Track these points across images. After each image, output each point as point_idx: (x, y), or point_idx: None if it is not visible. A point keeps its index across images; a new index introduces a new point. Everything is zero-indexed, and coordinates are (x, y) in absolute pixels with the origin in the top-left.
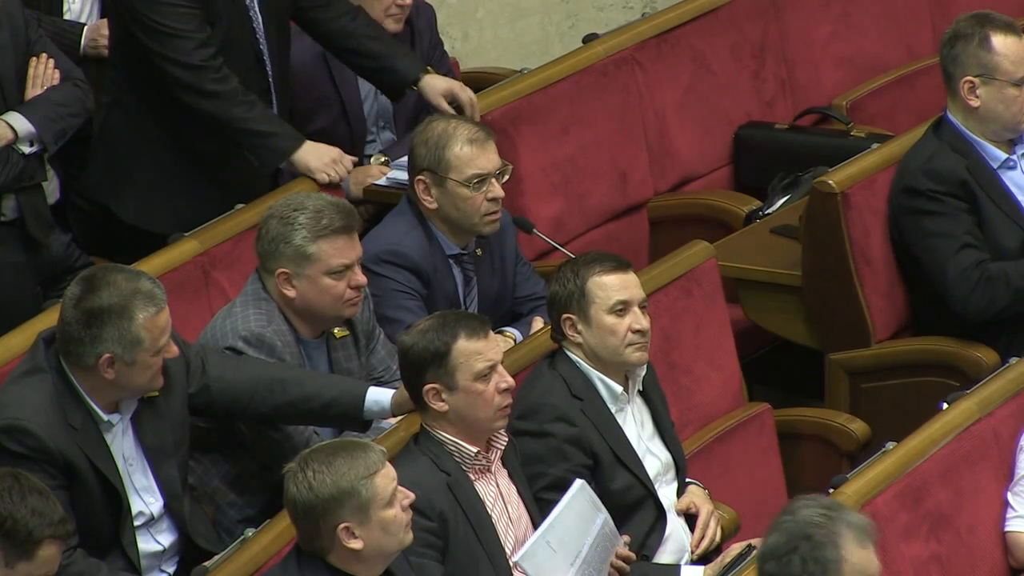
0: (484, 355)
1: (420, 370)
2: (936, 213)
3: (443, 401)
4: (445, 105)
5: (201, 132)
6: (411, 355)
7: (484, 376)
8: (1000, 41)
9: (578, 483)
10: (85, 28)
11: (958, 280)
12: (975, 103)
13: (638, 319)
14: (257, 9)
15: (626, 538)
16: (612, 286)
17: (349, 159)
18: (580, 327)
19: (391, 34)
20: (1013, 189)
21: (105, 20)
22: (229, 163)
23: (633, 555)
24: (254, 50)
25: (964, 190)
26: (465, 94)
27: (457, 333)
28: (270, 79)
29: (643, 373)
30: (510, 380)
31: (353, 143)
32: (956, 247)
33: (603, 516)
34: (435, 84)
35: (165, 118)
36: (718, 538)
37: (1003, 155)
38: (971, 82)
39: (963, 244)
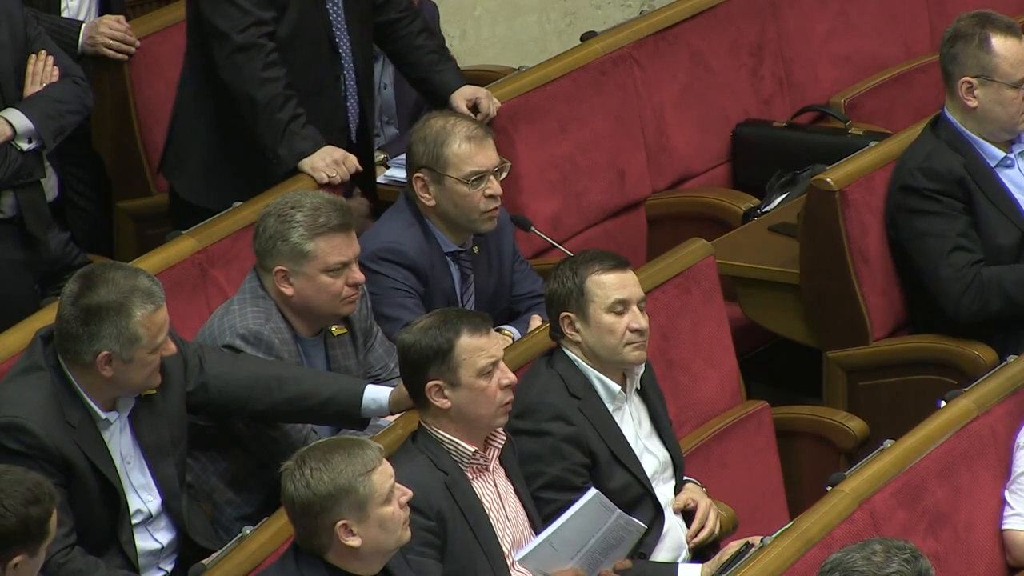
0: (487, 351)
1: (422, 367)
2: (930, 212)
3: (445, 398)
4: (463, 106)
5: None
6: (413, 352)
7: (487, 372)
8: (1000, 43)
9: (592, 493)
10: (83, 26)
11: (951, 280)
12: (973, 103)
13: (637, 318)
14: (340, 1)
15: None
16: (611, 285)
17: (353, 160)
18: (578, 325)
19: (440, 45)
20: (1010, 187)
21: (103, 17)
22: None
23: (628, 563)
24: (328, 37)
25: (961, 189)
26: (488, 102)
27: (460, 330)
28: (344, 68)
29: (641, 372)
30: (512, 376)
31: None
32: (949, 247)
33: (616, 513)
34: (462, 91)
35: (225, 102)
36: (717, 530)
37: (1001, 153)
38: (969, 82)
39: (956, 245)
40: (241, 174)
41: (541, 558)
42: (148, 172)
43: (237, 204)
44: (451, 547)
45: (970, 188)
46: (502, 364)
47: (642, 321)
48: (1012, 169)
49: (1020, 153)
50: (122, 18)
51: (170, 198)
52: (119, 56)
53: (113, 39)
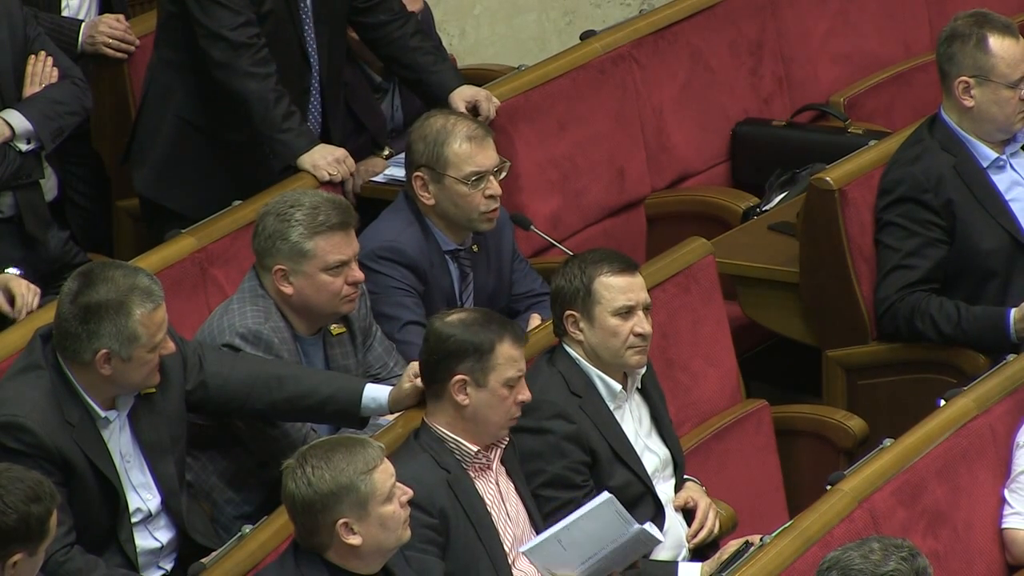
0: (518, 364)
1: (454, 359)
2: (891, 223)
3: (466, 395)
4: (463, 107)
5: (229, 119)
6: (450, 343)
7: (511, 384)
8: (997, 43)
9: (605, 496)
10: (83, 25)
11: (880, 298)
12: (969, 103)
13: (641, 323)
14: (310, 11)
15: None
16: (619, 288)
17: (352, 160)
18: (582, 325)
19: (436, 46)
20: (1001, 189)
21: (102, 16)
22: (253, 152)
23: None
24: (301, 49)
25: (937, 197)
26: (488, 104)
27: (503, 335)
28: (314, 81)
29: (643, 372)
30: (528, 395)
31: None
32: (893, 264)
33: (635, 527)
34: (462, 92)
35: (195, 101)
36: (716, 530)
37: (993, 155)
38: (966, 82)
39: (899, 264)
40: (196, 174)
41: (547, 554)
42: None
43: (237, 203)
44: (453, 545)
45: (952, 192)
46: (523, 380)
47: (646, 326)
48: (1004, 171)
49: (1013, 154)
50: (121, 17)
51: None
52: (118, 55)
53: (113, 38)
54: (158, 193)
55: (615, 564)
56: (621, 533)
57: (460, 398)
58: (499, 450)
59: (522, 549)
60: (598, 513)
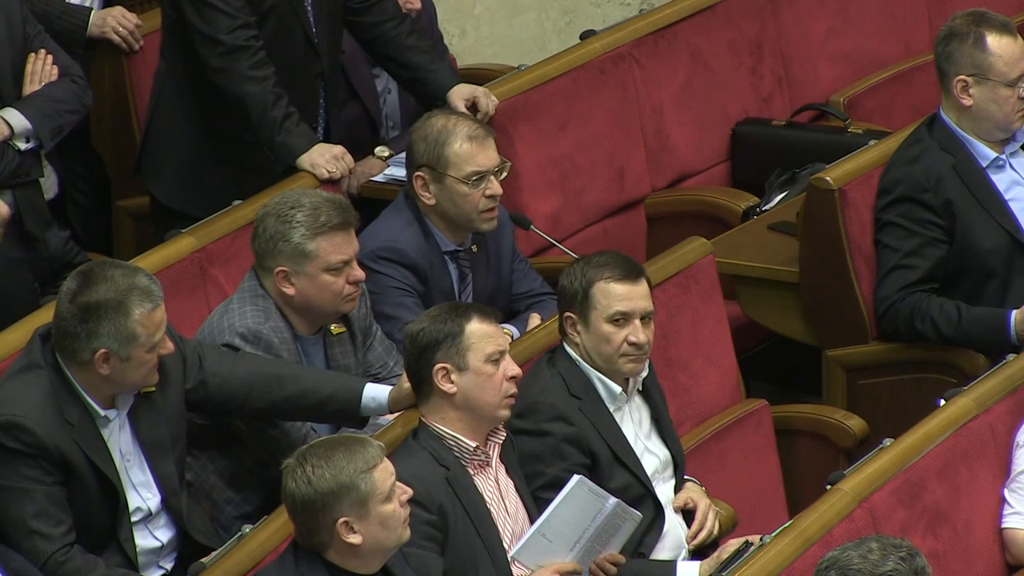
0: (495, 339)
1: (430, 351)
2: (891, 223)
3: (452, 383)
4: (462, 106)
5: (236, 120)
6: (421, 337)
7: (494, 359)
8: (995, 41)
9: (575, 479)
10: (92, 13)
11: (880, 298)
12: (968, 102)
13: (636, 332)
14: (311, 4)
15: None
16: (616, 295)
17: (350, 157)
18: (579, 327)
19: (432, 44)
20: (1001, 189)
21: (114, 8)
22: (260, 150)
23: (622, 558)
24: (306, 35)
25: (936, 197)
26: (486, 100)
27: (470, 316)
28: (324, 67)
29: (644, 375)
30: (517, 369)
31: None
32: (893, 264)
33: (612, 501)
34: (459, 90)
35: (204, 105)
36: (716, 531)
37: (993, 154)
38: (964, 81)
39: (899, 264)
40: (221, 177)
41: (536, 551)
42: None
43: (237, 203)
44: (452, 542)
45: (951, 192)
46: (508, 356)
47: (641, 336)
48: (1004, 171)
49: (1012, 154)
50: (133, 16)
51: (151, 202)
52: (123, 45)
53: (123, 27)
54: (185, 203)
55: (604, 544)
56: (600, 509)
57: (447, 387)
58: (497, 446)
59: (511, 554)
60: (572, 497)
